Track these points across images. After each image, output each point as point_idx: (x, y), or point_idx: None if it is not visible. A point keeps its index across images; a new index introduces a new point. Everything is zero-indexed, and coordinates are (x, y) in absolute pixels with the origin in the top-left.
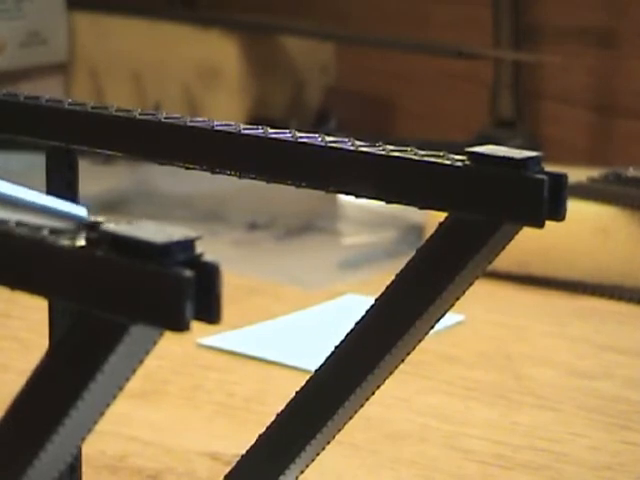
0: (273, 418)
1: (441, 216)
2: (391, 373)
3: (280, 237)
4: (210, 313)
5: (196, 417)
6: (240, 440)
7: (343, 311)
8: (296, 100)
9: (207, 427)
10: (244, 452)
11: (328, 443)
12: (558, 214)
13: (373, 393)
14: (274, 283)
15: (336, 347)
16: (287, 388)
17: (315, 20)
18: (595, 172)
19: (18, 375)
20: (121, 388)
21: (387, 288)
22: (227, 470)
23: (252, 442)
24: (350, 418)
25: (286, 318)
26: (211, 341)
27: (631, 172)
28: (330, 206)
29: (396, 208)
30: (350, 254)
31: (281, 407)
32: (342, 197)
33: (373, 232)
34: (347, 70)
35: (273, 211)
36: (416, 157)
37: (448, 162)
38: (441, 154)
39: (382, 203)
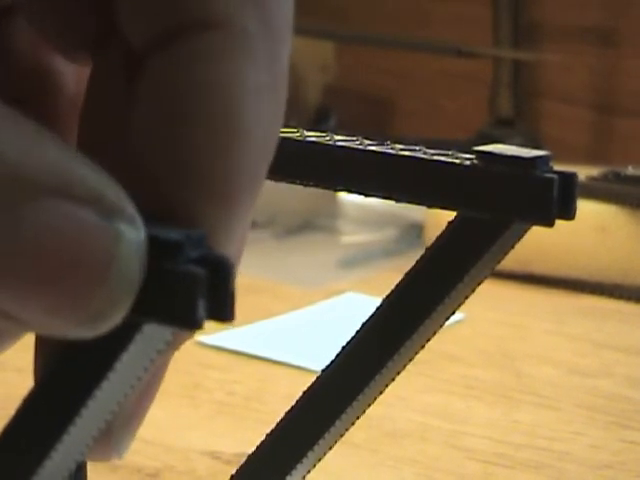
0: (277, 417)
1: (442, 215)
2: (399, 373)
3: (279, 235)
4: (223, 311)
5: (196, 416)
6: (240, 439)
7: (343, 309)
8: (296, 98)
9: (207, 426)
10: (250, 452)
11: (335, 443)
12: (568, 213)
13: (381, 393)
14: (273, 281)
15: (343, 347)
16: (287, 387)
17: (315, 18)
18: (595, 171)
19: (16, 373)
20: (133, 387)
21: (395, 287)
22: (227, 469)
23: (253, 441)
24: (357, 418)
25: (286, 317)
26: (211, 340)
27: (630, 171)
28: (330, 205)
29: (396, 207)
30: (350, 253)
31: (281, 406)
32: (342, 196)
33: (373, 231)
34: (347, 68)
35: (272, 210)
36: (425, 156)
37: (457, 161)
38: (449, 153)
39: (382, 201)
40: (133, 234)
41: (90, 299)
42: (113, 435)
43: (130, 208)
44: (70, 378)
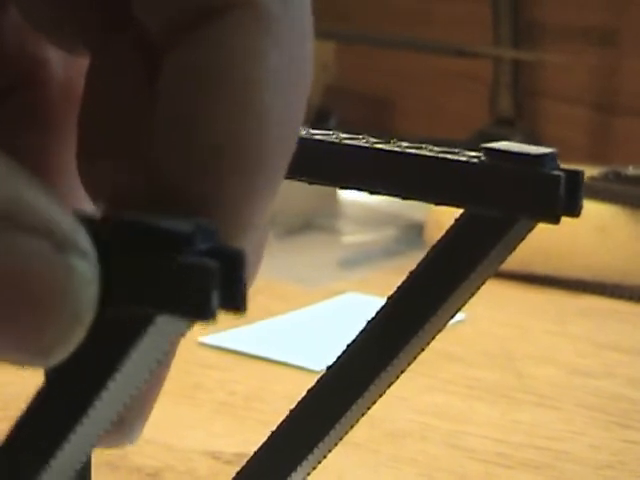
0: (277, 417)
1: (443, 215)
2: (402, 372)
3: (280, 235)
4: (236, 302)
5: (196, 415)
6: (240, 439)
7: (343, 309)
8: None
9: (207, 425)
10: (250, 452)
11: (337, 444)
12: (574, 210)
13: (384, 392)
14: (274, 281)
15: (346, 347)
16: (288, 386)
17: (315, 18)
18: (595, 171)
19: (24, 371)
20: (145, 380)
21: (400, 285)
22: (228, 469)
23: (253, 441)
24: (360, 418)
25: (286, 316)
26: (211, 339)
27: (631, 171)
28: (330, 204)
29: (396, 206)
30: (350, 252)
31: (282, 406)
32: (342, 195)
33: (373, 230)
34: (347, 68)
35: (273, 209)
36: (431, 153)
37: (464, 158)
38: (456, 151)
39: (382, 201)
40: (86, 268)
41: (41, 334)
42: (126, 422)
43: (84, 241)
44: (83, 370)
